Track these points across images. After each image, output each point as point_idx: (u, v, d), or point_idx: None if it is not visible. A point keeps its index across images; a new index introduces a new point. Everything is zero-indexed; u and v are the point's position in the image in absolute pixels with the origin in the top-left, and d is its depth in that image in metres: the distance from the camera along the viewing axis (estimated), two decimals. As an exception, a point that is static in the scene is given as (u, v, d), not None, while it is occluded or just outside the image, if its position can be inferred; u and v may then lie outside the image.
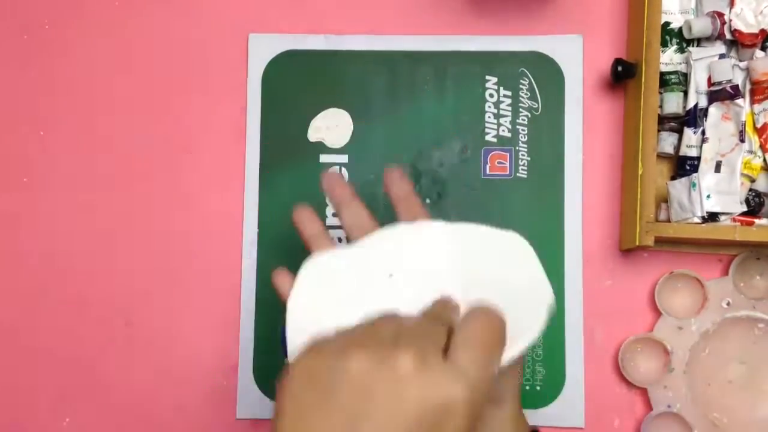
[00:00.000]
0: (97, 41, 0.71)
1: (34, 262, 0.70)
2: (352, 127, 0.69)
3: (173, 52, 0.71)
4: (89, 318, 0.69)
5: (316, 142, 0.68)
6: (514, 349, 0.47)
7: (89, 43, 0.71)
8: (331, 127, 0.68)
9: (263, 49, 0.71)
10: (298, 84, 0.70)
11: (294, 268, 0.68)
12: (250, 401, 0.68)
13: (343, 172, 0.69)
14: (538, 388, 0.67)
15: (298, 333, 0.51)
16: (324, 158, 0.70)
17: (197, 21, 0.71)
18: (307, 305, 0.54)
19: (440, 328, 0.44)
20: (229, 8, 0.71)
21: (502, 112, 0.69)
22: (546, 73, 0.69)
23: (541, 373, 0.67)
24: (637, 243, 0.63)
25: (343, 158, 0.70)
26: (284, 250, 0.69)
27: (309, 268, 0.55)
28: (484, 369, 0.42)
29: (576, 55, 0.69)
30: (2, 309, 0.70)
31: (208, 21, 0.71)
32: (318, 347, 0.44)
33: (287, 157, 0.70)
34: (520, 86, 0.69)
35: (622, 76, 0.66)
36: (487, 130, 0.69)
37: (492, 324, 0.44)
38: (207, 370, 0.69)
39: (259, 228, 0.69)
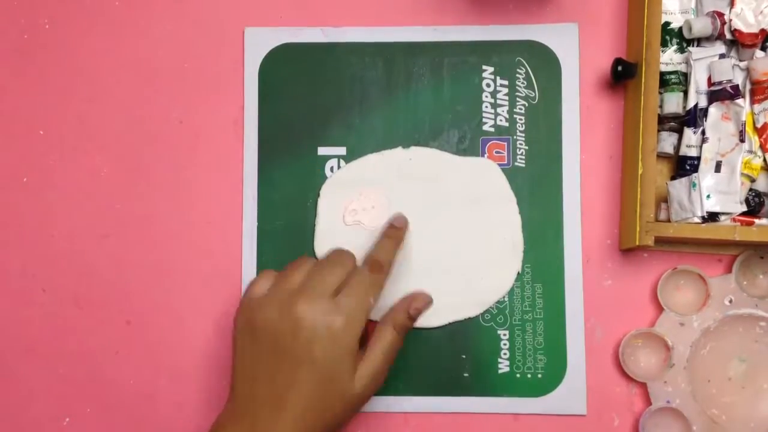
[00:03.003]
0: (97, 40, 0.71)
1: (34, 261, 0.70)
2: (388, 208, 0.69)
3: (170, 47, 0.71)
4: (89, 318, 0.69)
5: (352, 223, 0.69)
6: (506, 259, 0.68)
7: (89, 42, 0.71)
8: (367, 208, 0.69)
9: (260, 42, 0.71)
10: (295, 77, 0.70)
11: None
12: (251, 400, 0.68)
13: (341, 164, 0.69)
14: (539, 376, 0.67)
15: None
16: (322, 151, 0.70)
17: (193, 16, 0.71)
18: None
19: (332, 277, 0.61)
20: (225, 2, 0.71)
21: (499, 101, 0.70)
22: (542, 62, 0.70)
23: (543, 361, 0.67)
24: (637, 243, 0.63)
25: (342, 150, 0.70)
26: (284, 244, 0.69)
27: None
28: (358, 306, 0.60)
29: (572, 44, 0.69)
30: (2, 308, 0.70)
31: (204, 15, 0.71)
32: (245, 305, 0.63)
33: (285, 150, 0.70)
34: (517, 75, 0.70)
35: (622, 76, 0.66)
36: (484, 120, 0.69)
37: (364, 276, 0.62)
38: (208, 368, 0.69)
39: (258, 222, 0.69)
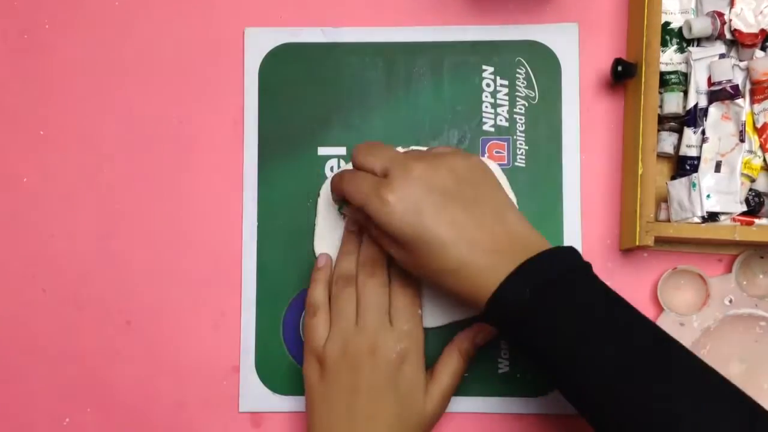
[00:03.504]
0: (97, 40, 0.71)
1: (34, 261, 0.70)
2: None
3: (170, 48, 0.71)
4: (89, 317, 0.69)
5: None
6: None
7: (89, 42, 0.71)
8: None
9: (260, 42, 0.71)
10: (295, 77, 0.70)
11: (294, 261, 0.69)
12: (252, 395, 0.68)
13: (341, 164, 0.69)
14: (539, 376, 0.67)
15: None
16: (322, 151, 0.70)
17: (193, 16, 0.71)
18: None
19: (380, 298, 0.63)
20: (225, 2, 0.71)
21: (499, 101, 0.70)
22: (542, 62, 0.70)
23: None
24: (637, 243, 0.63)
25: (342, 150, 0.70)
26: (284, 244, 0.69)
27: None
28: (409, 318, 0.64)
29: (572, 44, 0.70)
30: (2, 309, 0.70)
31: (204, 15, 0.71)
32: (312, 353, 0.64)
33: (285, 149, 0.70)
34: (517, 75, 0.70)
35: (622, 75, 0.66)
36: (484, 120, 0.70)
37: (406, 295, 0.64)
38: (208, 366, 0.69)
39: (258, 222, 0.69)
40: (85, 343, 0.69)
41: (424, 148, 0.69)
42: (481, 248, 0.57)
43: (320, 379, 0.62)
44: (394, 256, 0.60)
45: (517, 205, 0.65)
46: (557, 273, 0.56)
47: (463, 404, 0.67)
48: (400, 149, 0.69)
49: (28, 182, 0.71)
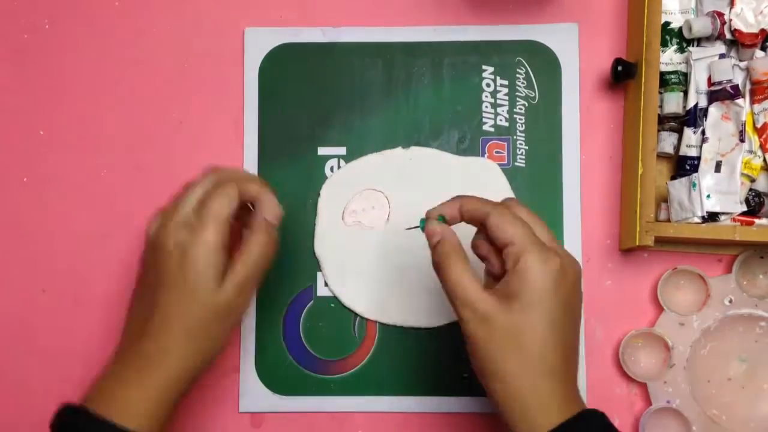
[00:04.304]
0: (97, 40, 0.71)
1: (33, 261, 0.70)
2: (388, 208, 0.69)
3: (170, 48, 0.71)
4: (89, 317, 0.69)
5: (352, 224, 0.69)
6: None
7: (89, 42, 0.71)
8: (367, 209, 0.69)
9: (260, 42, 0.71)
10: (295, 77, 0.70)
11: (293, 262, 0.68)
12: (253, 395, 0.68)
13: (341, 164, 0.69)
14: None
15: None
16: (322, 151, 0.70)
17: (193, 16, 0.71)
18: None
19: (190, 197, 0.59)
20: (225, 2, 0.71)
21: (499, 101, 0.70)
22: (542, 62, 0.70)
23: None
24: (637, 243, 0.63)
25: (342, 150, 0.70)
26: (284, 244, 0.69)
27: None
28: (211, 221, 0.58)
29: (572, 44, 0.70)
30: (2, 308, 0.70)
31: (204, 15, 0.71)
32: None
33: (285, 150, 0.70)
34: (517, 75, 0.70)
35: (622, 76, 0.66)
36: (484, 120, 0.70)
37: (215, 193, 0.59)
38: (207, 368, 0.69)
39: (258, 221, 0.69)
40: (85, 343, 0.69)
41: (429, 149, 0.69)
42: (551, 379, 0.54)
43: (141, 262, 0.62)
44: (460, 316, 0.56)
45: None
46: None
47: (462, 404, 0.67)
48: (400, 149, 0.69)
49: (28, 182, 0.70)
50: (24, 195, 0.70)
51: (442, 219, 0.58)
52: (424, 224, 0.58)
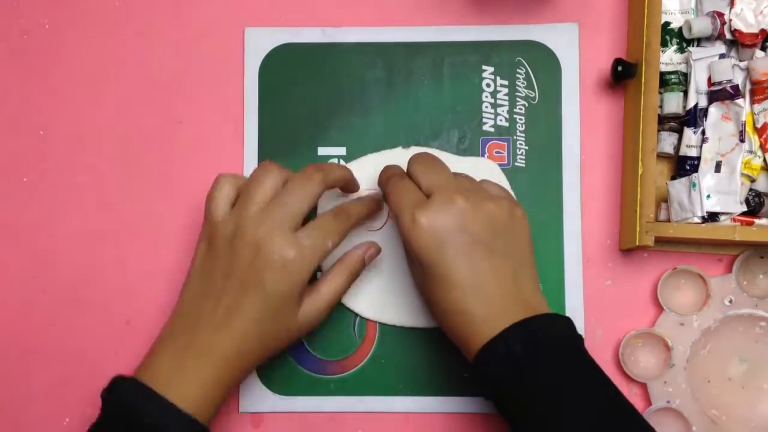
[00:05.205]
0: (97, 40, 0.71)
1: (33, 261, 0.70)
2: (388, 208, 0.69)
3: (170, 48, 0.71)
4: (89, 317, 0.69)
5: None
6: None
7: (89, 42, 0.71)
8: None
9: (260, 42, 0.71)
10: (295, 77, 0.70)
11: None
12: (253, 395, 0.68)
13: (341, 164, 0.69)
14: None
15: None
16: (322, 151, 0.70)
17: (193, 16, 0.71)
18: None
19: (298, 207, 0.60)
20: (225, 2, 0.71)
21: (499, 101, 0.70)
22: (542, 62, 0.70)
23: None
24: (637, 243, 0.63)
25: (342, 150, 0.70)
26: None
27: None
28: (316, 246, 0.60)
29: (572, 44, 0.70)
30: (1, 309, 0.70)
31: (204, 15, 0.71)
32: (209, 219, 0.62)
33: (285, 150, 0.70)
34: (517, 75, 0.70)
35: (622, 76, 0.66)
36: (484, 120, 0.70)
37: (328, 220, 0.62)
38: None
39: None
40: (85, 343, 0.69)
41: (429, 149, 0.68)
42: (487, 300, 0.57)
43: (208, 250, 0.61)
44: (410, 267, 0.61)
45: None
46: (551, 335, 0.56)
47: (462, 404, 0.68)
48: (400, 149, 0.69)
49: (28, 182, 0.70)
50: (24, 195, 0.70)
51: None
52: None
